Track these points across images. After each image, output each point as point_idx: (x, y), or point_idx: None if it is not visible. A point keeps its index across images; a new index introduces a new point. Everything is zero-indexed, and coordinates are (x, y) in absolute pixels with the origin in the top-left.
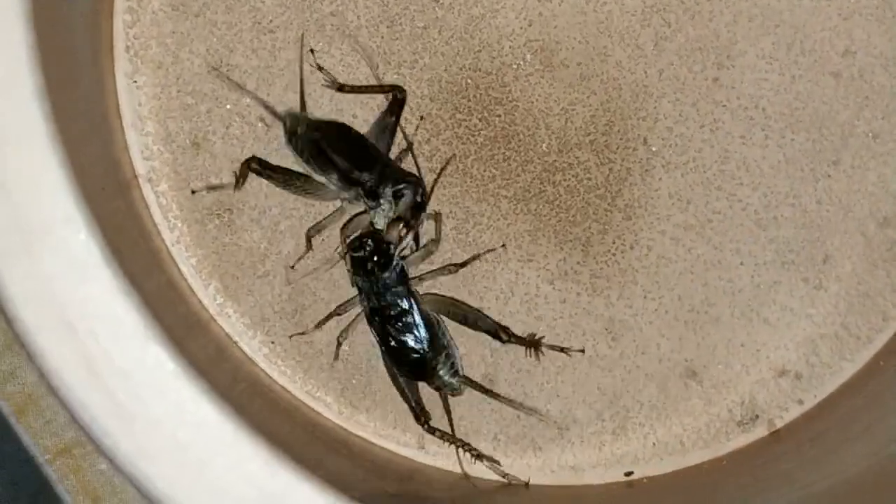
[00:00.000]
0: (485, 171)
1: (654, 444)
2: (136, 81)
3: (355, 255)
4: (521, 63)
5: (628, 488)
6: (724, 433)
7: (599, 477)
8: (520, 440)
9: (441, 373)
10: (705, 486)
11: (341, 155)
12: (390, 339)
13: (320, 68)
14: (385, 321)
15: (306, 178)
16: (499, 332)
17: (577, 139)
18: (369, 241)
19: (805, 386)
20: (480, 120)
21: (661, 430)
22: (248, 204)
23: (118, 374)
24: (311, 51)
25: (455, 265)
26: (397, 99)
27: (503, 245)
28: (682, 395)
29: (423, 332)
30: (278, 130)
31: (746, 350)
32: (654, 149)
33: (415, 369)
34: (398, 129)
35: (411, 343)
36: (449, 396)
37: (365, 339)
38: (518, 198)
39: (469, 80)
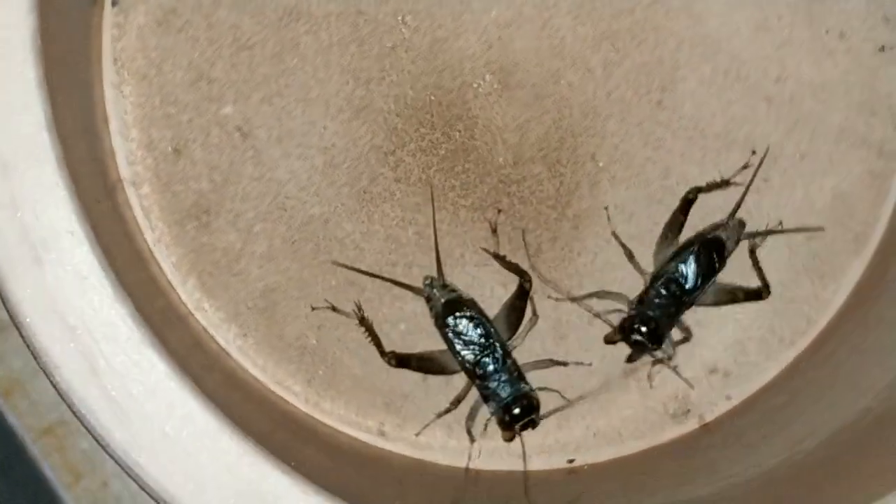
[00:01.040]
0: (445, 181)
1: (594, 433)
2: (122, 91)
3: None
4: (481, 83)
5: (570, 474)
6: (658, 425)
7: (544, 463)
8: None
9: None
10: (640, 473)
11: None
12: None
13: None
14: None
15: (441, 353)
16: None
17: (531, 154)
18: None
19: (733, 383)
20: (442, 134)
21: (602, 421)
22: (225, 207)
23: (114, 374)
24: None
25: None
26: (524, 289)
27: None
28: (621, 390)
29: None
30: (254, 141)
31: (681, 349)
32: (601, 164)
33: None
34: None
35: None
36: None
37: (332, 335)
38: (475, 207)
39: (432, 98)
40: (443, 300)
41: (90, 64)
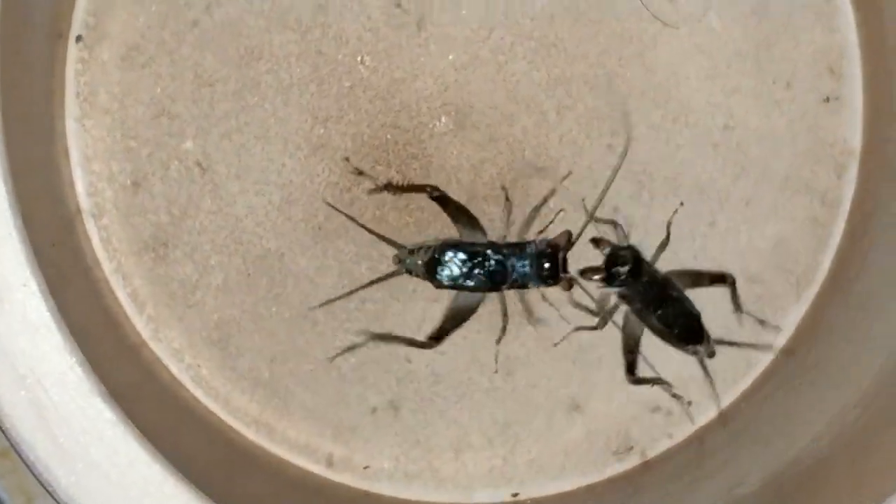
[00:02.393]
0: (400, 218)
1: (538, 469)
2: (84, 125)
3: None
4: (437, 123)
5: None
6: (601, 461)
7: (489, 497)
8: (418, 461)
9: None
10: None
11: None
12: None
13: (360, 172)
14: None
15: (456, 301)
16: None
17: (484, 193)
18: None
19: (675, 421)
20: (398, 172)
21: (546, 456)
22: (182, 240)
23: (62, 421)
24: (346, 158)
25: None
26: (436, 197)
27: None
28: (566, 426)
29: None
30: (213, 175)
31: (625, 387)
32: (551, 205)
33: (689, 333)
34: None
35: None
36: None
37: (284, 367)
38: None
39: (389, 136)
40: (422, 264)
41: (52, 97)
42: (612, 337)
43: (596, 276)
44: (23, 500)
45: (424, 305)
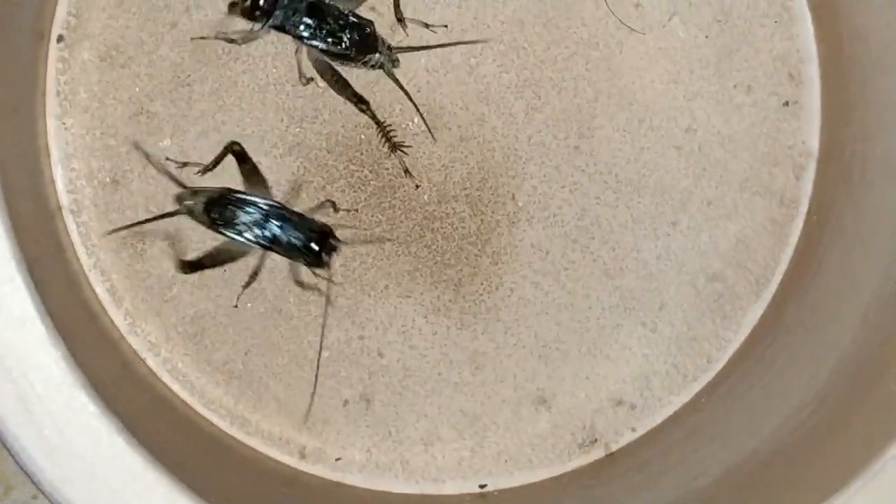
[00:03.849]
0: (372, 216)
1: (506, 460)
2: (64, 123)
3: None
4: (410, 124)
5: (481, 498)
6: (566, 453)
7: (457, 488)
8: (389, 453)
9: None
10: (548, 500)
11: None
12: (339, 34)
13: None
14: (327, 32)
15: (225, 244)
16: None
17: (455, 192)
18: None
19: (638, 415)
20: (371, 171)
21: (513, 448)
22: (159, 236)
23: (47, 413)
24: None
25: None
26: (236, 152)
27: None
28: (532, 419)
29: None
30: (190, 171)
31: (590, 382)
32: (520, 204)
33: (362, 44)
34: None
35: (353, 20)
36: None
37: (258, 360)
38: (400, 241)
39: (363, 136)
40: (202, 203)
41: (34, 96)
42: (578, 331)
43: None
44: (1, 491)
45: (396, 301)
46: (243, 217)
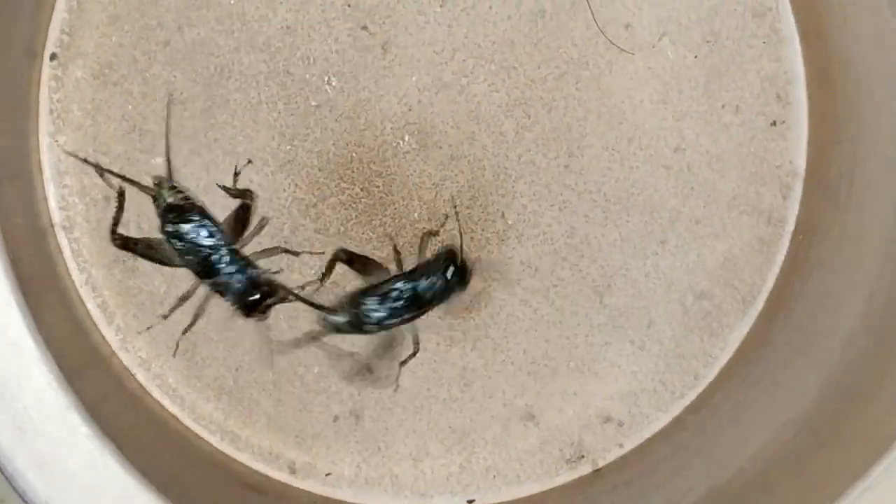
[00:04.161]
0: (363, 233)
1: (494, 475)
2: (57, 140)
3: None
4: (401, 142)
5: None
6: (554, 469)
7: (446, 503)
8: (378, 468)
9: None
10: None
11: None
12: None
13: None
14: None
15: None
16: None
17: (445, 210)
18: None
19: (626, 432)
20: (362, 189)
21: (502, 463)
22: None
23: (40, 434)
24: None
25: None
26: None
27: None
28: (521, 435)
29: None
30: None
31: (578, 398)
32: (510, 222)
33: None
34: None
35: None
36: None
37: (248, 377)
38: (391, 259)
39: (354, 154)
40: (168, 202)
41: (28, 114)
42: (567, 348)
43: None
44: None
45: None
46: (196, 238)
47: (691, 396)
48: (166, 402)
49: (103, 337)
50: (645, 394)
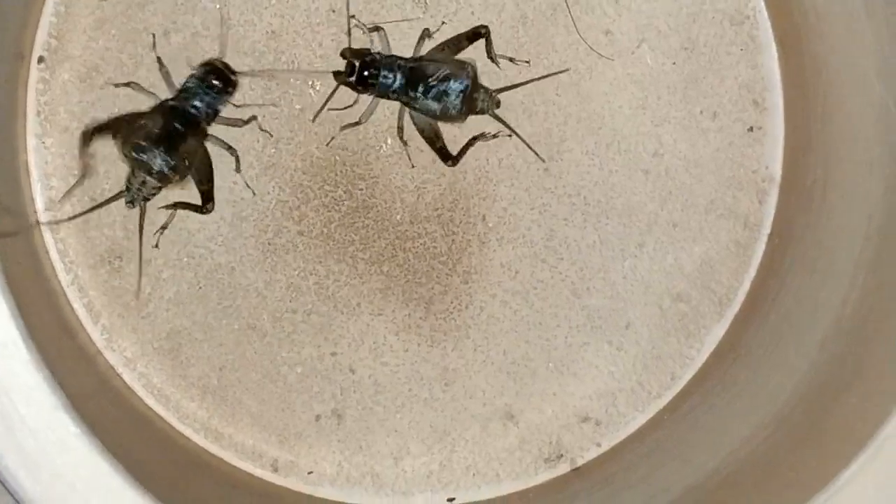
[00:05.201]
0: (345, 235)
1: (474, 474)
2: (44, 142)
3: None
4: (383, 146)
5: None
6: (533, 468)
7: (426, 501)
8: (360, 467)
9: (481, 93)
10: None
11: None
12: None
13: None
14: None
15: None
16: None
17: (427, 213)
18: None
19: (603, 431)
20: (345, 192)
21: (481, 462)
22: (136, 254)
23: (29, 433)
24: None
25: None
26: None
27: None
28: (500, 434)
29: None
30: (166, 191)
31: (557, 398)
32: (490, 225)
33: (466, 99)
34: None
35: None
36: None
37: (233, 376)
38: (373, 260)
39: (337, 157)
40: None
41: (15, 116)
42: (546, 348)
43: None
44: None
45: (368, 319)
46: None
47: (668, 396)
48: (151, 401)
49: (89, 337)
50: (623, 394)
